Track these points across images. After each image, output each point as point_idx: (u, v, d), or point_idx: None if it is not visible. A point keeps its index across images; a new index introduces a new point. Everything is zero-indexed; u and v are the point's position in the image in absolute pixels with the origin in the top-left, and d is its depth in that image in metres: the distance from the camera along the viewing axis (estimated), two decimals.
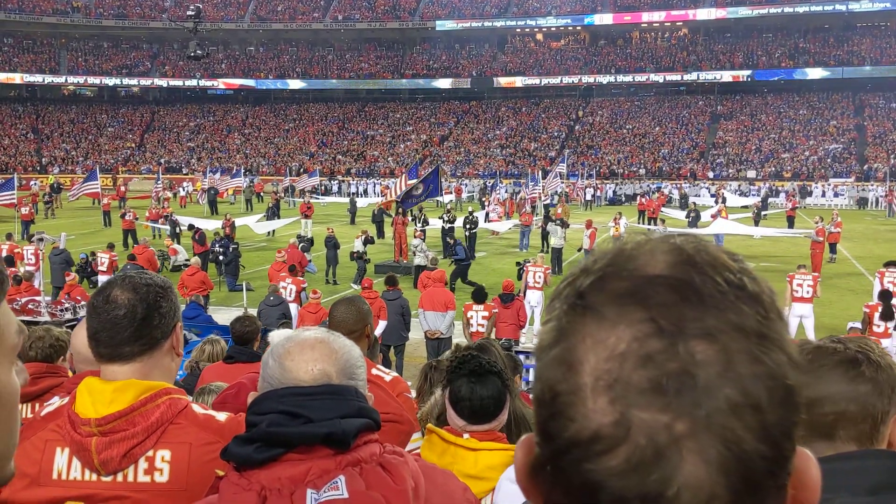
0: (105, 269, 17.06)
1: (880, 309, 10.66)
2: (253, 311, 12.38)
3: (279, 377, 1.40)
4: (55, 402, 2.21)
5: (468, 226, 23.16)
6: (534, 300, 13.92)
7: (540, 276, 14.59)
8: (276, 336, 5.40)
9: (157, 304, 1.77)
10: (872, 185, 43.50)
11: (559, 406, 0.57)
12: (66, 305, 11.92)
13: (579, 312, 0.58)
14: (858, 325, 9.96)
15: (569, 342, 0.57)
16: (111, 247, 18.02)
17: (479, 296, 11.48)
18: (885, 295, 11.08)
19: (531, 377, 9.12)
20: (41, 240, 18.61)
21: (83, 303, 12.57)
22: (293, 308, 13.07)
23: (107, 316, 1.73)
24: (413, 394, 4.46)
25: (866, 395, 1.35)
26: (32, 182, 45.39)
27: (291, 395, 1.37)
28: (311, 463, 1.32)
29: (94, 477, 1.70)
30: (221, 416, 1.79)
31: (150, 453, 1.70)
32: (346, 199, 36.91)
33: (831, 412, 1.35)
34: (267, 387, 1.41)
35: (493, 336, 11.10)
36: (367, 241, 19.64)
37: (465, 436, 2.30)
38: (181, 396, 1.78)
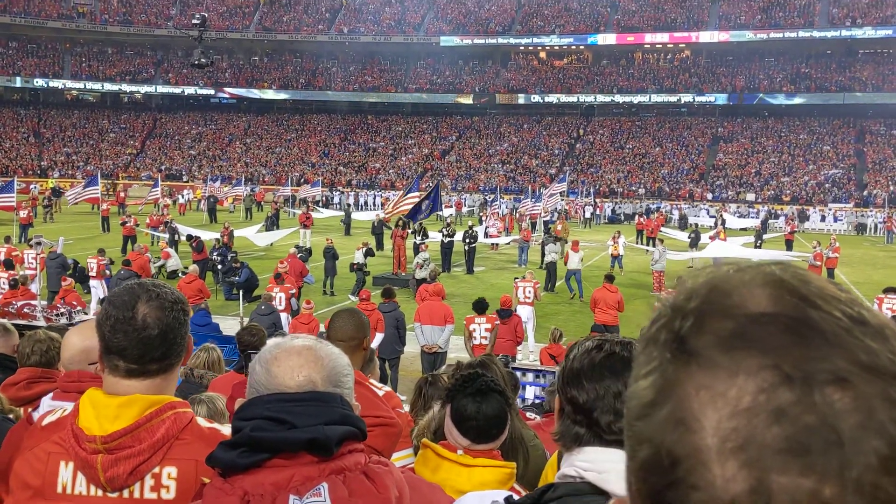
0: (95, 275, 17.05)
1: None
2: (246, 321, 12.37)
3: (265, 382, 1.40)
4: (46, 403, 2.18)
5: (467, 240, 23.21)
6: (524, 315, 13.82)
7: (530, 291, 14.59)
8: (270, 343, 5.40)
9: (182, 322, 1.78)
10: (871, 210, 43.61)
11: (680, 473, 0.49)
12: (62, 310, 11.88)
13: (683, 361, 0.51)
14: None
15: (678, 397, 0.50)
16: (101, 252, 17.92)
17: (481, 307, 11.37)
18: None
19: (527, 394, 9.10)
20: (39, 244, 18.57)
21: (79, 308, 12.54)
22: (283, 317, 13.03)
23: (137, 335, 1.72)
24: (406, 408, 4.43)
25: None
26: (32, 185, 45.42)
27: (276, 400, 1.37)
28: (295, 469, 1.32)
29: (100, 493, 1.69)
30: (226, 430, 1.77)
31: (157, 470, 1.69)
32: (343, 213, 36.93)
33: None
34: (254, 392, 1.41)
35: (491, 351, 11.09)
36: (368, 253, 19.64)
37: (459, 451, 2.28)
38: (186, 410, 1.77)
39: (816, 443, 0.46)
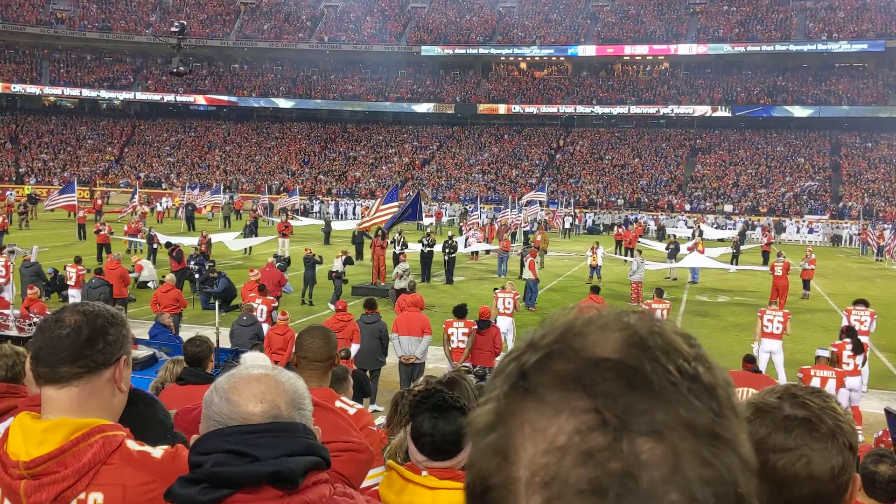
0: (73, 284, 16.79)
1: (849, 346, 10.82)
2: (225, 330, 12.26)
3: (227, 412, 1.37)
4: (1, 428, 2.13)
5: (447, 250, 23.20)
6: (504, 326, 13.87)
7: (510, 303, 14.62)
8: (248, 358, 5.37)
9: (105, 330, 1.73)
10: (846, 223, 44.17)
11: (489, 502, 0.51)
12: (35, 320, 11.70)
13: (520, 394, 0.53)
14: (826, 352, 10.07)
15: (506, 428, 0.52)
16: (78, 260, 17.65)
17: (460, 312, 11.50)
18: (850, 331, 11.39)
19: None
20: (12, 252, 18.31)
21: None
22: (265, 328, 12.96)
23: (50, 334, 1.69)
24: (380, 419, 4.39)
25: (844, 468, 1.26)
26: (8, 192, 44.85)
27: (237, 432, 1.34)
28: None
29: None
30: (157, 453, 1.72)
31: (83, 496, 1.63)
32: (322, 221, 36.81)
33: (810, 493, 1.23)
34: (214, 425, 1.38)
35: (468, 355, 11.13)
36: (347, 261, 19.57)
37: (424, 473, 2.26)
38: (116, 433, 1.71)
39: (614, 488, 0.47)
